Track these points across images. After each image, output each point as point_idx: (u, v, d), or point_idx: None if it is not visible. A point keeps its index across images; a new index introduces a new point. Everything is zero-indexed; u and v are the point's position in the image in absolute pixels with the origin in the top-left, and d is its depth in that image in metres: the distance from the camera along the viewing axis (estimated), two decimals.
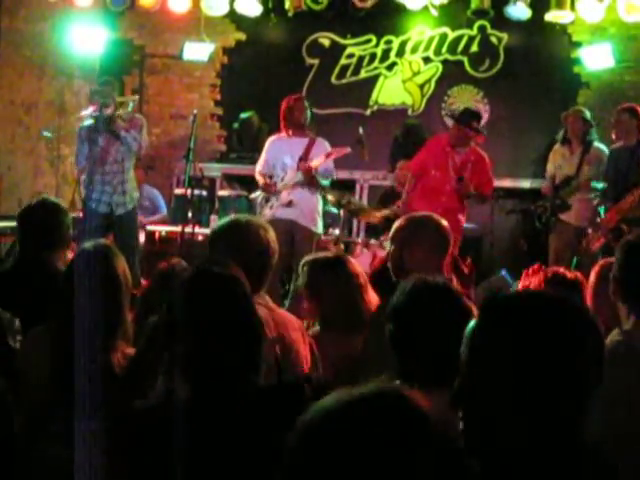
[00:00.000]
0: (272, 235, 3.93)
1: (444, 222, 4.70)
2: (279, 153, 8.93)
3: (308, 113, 9.01)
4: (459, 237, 8.40)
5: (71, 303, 3.52)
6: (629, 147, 8.49)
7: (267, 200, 8.81)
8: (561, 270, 4.54)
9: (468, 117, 9.08)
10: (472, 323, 2.02)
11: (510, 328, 1.94)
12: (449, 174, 8.79)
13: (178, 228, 9.14)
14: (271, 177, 8.85)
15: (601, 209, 8.64)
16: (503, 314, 1.98)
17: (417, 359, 2.90)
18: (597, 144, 9.35)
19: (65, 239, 5.13)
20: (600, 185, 8.82)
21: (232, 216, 4.11)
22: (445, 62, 12.29)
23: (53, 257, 4.95)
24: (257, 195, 9.07)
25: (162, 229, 10.16)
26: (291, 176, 8.77)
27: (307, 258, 4.73)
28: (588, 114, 9.54)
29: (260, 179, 8.90)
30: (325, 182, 8.89)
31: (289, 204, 8.63)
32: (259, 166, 9.03)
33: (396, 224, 4.72)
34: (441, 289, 3.09)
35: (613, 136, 8.83)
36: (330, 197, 9.30)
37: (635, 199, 8.04)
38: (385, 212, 9.58)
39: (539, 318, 1.91)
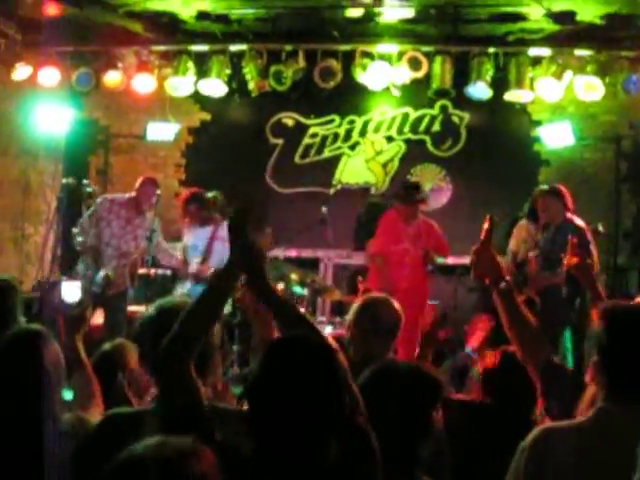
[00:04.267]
0: None
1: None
2: (187, 241, 9.95)
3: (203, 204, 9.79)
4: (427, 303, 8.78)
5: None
6: (553, 228, 8.85)
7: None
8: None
9: (411, 193, 9.49)
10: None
11: None
12: (406, 247, 9.05)
13: (142, 308, 9.11)
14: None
15: None
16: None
17: None
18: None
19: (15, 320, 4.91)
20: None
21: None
22: (408, 141, 12.44)
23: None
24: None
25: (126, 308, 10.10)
26: (196, 268, 9.56)
27: None
28: None
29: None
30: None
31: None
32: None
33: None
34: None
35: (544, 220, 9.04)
36: (294, 276, 9.34)
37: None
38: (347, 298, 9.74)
39: None
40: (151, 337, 3.29)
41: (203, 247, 9.57)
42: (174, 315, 3.15)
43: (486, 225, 3.75)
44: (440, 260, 9.67)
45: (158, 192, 9.28)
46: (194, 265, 9.50)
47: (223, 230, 9.44)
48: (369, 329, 4.70)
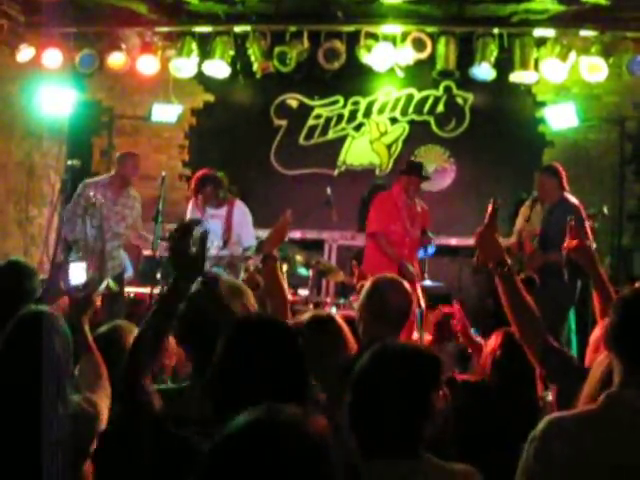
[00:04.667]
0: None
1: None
2: None
3: (219, 185, 9.44)
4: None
5: (8, 372, 3.49)
6: (549, 206, 8.89)
7: None
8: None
9: (416, 167, 9.49)
10: None
11: None
12: (406, 226, 9.03)
13: (147, 289, 9.11)
14: None
15: None
16: None
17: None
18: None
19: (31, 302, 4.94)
20: None
21: None
22: (412, 122, 12.41)
23: None
24: None
25: (130, 290, 10.10)
26: (216, 253, 9.11)
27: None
28: None
29: None
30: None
31: None
32: None
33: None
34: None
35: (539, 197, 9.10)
36: (298, 257, 9.35)
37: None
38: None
39: None
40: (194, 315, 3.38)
41: (220, 229, 9.36)
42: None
43: (490, 209, 3.76)
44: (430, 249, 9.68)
45: (163, 174, 9.25)
46: (214, 250, 9.12)
47: (240, 210, 9.40)
48: (377, 312, 4.61)
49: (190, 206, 9.76)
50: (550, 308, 7.87)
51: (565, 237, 8.18)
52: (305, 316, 4.58)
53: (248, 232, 9.38)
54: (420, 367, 2.99)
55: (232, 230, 9.34)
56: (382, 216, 9.34)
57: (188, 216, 9.54)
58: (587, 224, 8.51)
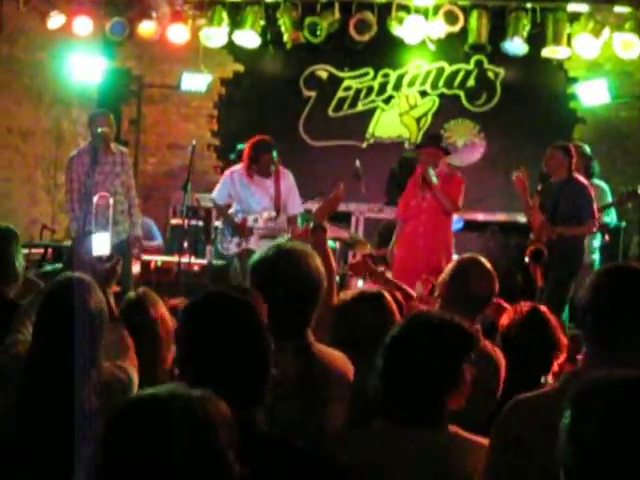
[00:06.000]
0: (319, 263, 3.57)
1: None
2: (244, 193, 9.01)
3: (274, 154, 8.96)
4: (451, 253, 8.70)
5: (43, 338, 3.49)
6: (558, 182, 8.75)
7: (232, 236, 8.85)
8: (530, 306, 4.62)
9: (435, 138, 9.65)
10: None
11: None
12: (425, 195, 8.92)
13: (174, 258, 9.13)
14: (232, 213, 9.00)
15: None
16: None
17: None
18: (597, 181, 9.50)
19: (14, 270, 4.84)
20: (607, 219, 9.46)
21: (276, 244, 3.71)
22: (442, 96, 12.36)
23: (4, 290, 4.74)
24: (220, 225, 9.15)
25: (158, 259, 10.10)
26: (263, 225, 8.87)
27: None
28: (588, 149, 9.63)
29: (227, 215, 9.05)
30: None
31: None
32: (220, 199, 9.13)
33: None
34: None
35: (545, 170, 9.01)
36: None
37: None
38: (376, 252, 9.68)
39: None
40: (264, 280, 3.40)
41: (269, 199, 8.95)
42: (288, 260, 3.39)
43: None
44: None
45: (194, 142, 9.19)
46: (262, 221, 8.88)
47: (287, 178, 9.12)
48: (458, 296, 4.46)
49: (227, 178, 9.20)
50: (556, 277, 8.37)
51: (576, 211, 8.27)
52: (352, 292, 4.53)
53: (294, 200, 9.12)
54: (454, 337, 2.99)
55: (281, 199, 8.98)
56: (406, 198, 9.24)
57: (221, 190, 9.19)
58: (594, 204, 8.59)
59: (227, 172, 9.24)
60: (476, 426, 3.12)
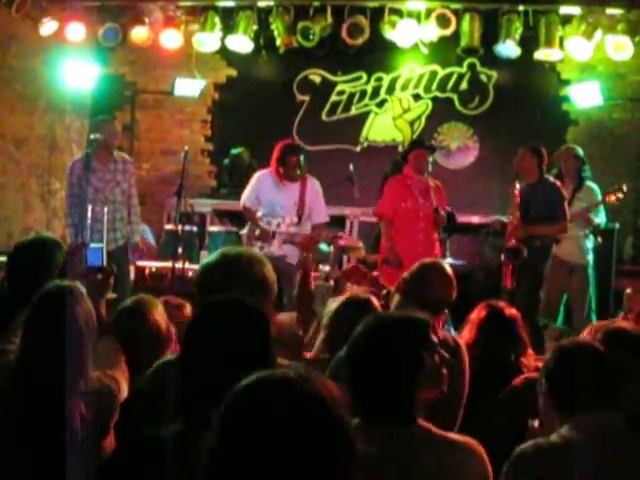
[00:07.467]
0: (269, 268, 3.67)
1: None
2: (270, 196, 8.98)
3: (302, 159, 8.98)
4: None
5: (31, 346, 3.50)
6: (530, 184, 8.89)
7: (257, 240, 8.81)
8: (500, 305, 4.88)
9: (420, 141, 9.96)
10: None
11: None
12: (418, 201, 8.96)
13: (168, 264, 9.13)
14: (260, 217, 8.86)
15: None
16: None
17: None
18: (589, 183, 9.52)
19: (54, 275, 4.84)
20: (597, 220, 9.44)
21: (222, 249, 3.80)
22: (435, 99, 12.38)
23: None
24: (246, 231, 9.10)
25: (152, 265, 10.11)
26: (285, 230, 8.81)
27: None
28: (581, 152, 9.64)
29: (254, 218, 8.92)
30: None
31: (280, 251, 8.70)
32: (248, 201, 9.07)
33: None
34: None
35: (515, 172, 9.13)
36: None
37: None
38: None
39: None
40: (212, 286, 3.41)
41: (293, 205, 8.92)
42: (239, 264, 3.40)
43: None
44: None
45: (186, 148, 9.19)
46: (285, 226, 8.80)
47: (313, 185, 9.10)
48: (415, 297, 4.58)
49: (255, 180, 9.15)
50: (530, 274, 8.63)
51: (549, 210, 8.41)
52: (340, 298, 4.59)
53: (320, 209, 9.10)
54: (407, 326, 3.06)
55: (305, 206, 8.95)
56: (391, 197, 9.22)
57: (250, 193, 9.13)
58: (565, 203, 8.78)
59: (256, 174, 9.24)
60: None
